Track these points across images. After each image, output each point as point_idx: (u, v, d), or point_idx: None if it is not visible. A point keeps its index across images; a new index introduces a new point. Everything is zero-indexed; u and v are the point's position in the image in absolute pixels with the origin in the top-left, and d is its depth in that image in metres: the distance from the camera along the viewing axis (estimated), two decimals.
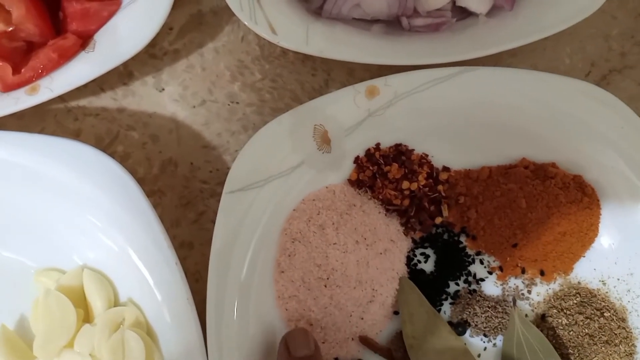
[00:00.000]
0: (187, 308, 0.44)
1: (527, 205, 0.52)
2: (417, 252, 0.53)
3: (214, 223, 0.49)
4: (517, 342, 0.50)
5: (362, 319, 0.50)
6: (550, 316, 0.52)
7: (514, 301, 0.52)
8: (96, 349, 0.45)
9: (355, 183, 0.52)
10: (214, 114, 0.56)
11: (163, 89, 0.56)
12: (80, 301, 0.48)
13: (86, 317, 0.48)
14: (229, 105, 0.56)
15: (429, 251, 0.53)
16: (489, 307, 0.52)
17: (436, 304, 0.52)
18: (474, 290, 0.52)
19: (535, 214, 0.52)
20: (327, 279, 0.49)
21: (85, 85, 0.56)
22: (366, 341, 0.50)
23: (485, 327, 0.51)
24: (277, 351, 0.45)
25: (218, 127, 0.56)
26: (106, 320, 0.46)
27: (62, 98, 0.56)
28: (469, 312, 0.51)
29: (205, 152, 0.55)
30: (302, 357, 0.43)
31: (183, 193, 0.55)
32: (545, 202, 0.52)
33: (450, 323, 0.51)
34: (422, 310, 0.50)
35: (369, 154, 0.52)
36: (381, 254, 0.51)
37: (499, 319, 0.52)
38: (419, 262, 0.53)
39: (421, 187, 0.52)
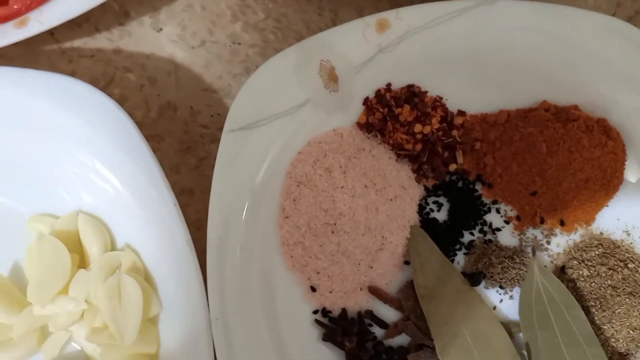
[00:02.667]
0: (187, 252, 0.42)
1: (547, 150, 0.49)
2: (430, 200, 0.50)
3: None
4: (537, 293, 0.47)
5: (371, 267, 0.48)
6: (571, 268, 0.49)
7: (534, 251, 0.49)
8: (91, 294, 0.43)
9: (364, 126, 0.49)
10: (214, 55, 0.53)
11: (161, 29, 0.53)
12: (75, 246, 0.45)
13: (81, 262, 0.46)
14: (230, 46, 0.53)
15: (442, 199, 0.50)
16: (505, 258, 0.49)
17: (449, 254, 0.49)
18: (490, 240, 0.50)
19: (556, 160, 0.49)
20: (334, 224, 0.46)
21: (80, 26, 0.53)
22: (375, 291, 0.48)
23: (501, 279, 0.49)
24: None
25: (219, 70, 0.53)
26: (102, 265, 0.43)
27: (55, 39, 0.53)
28: (484, 262, 0.49)
29: (206, 96, 0.53)
30: None
31: (183, 138, 0.52)
32: (567, 146, 0.49)
33: (463, 274, 0.49)
34: (434, 259, 0.47)
35: (379, 95, 0.49)
36: (391, 200, 0.48)
37: (516, 270, 0.49)
38: (432, 210, 0.50)
39: (434, 130, 0.49)
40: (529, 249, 0.49)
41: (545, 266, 0.49)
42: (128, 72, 0.53)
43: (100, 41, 0.53)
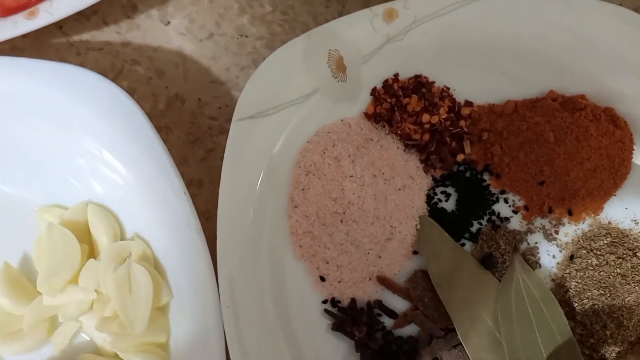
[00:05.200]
0: (197, 240, 0.42)
1: (555, 140, 0.49)
2: (438, 190, 0.50)
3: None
4: (516, 289, 0.46)
5: (380, 257, 0.48)
6: (580, 257, 0.49)
7: (516, 247, 0.49)
8: (101, 284, 0.43)
9: (372, 116, 0.49)
10: (222, 47, 0.53)
11: (169, 22, 0.54)
12: (84, 237, 0.45)
13: (91, 252, 0.46)
14: (237, 38, 0.53)
15: (450, 189, 0.50)
16: (514, 240, 0.49)
17: (458, 243, 0.49)
18: (498, 227, 0.50)
19: (563, 148, 0.49)
20: (343, 213, 0.46)
21: (88, 19, 0.54)
22: (384, 281, 0.48)
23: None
24: None
25: (226, 62, 0.53)
26: (112, 254, 0.43)
27: (63, 32, 0.53)
28: (493, 246, 0.48)
29: (214, 88, 0.53)
30: None
31: (191, 130, 0.52)
32: (575, 135, 0.49)
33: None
34: (446, 247, 0.47)
35: (386, 85, 0.49)
36: (400, 190, 0.48)
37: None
38: (440, 200, 0.50)
39: (442, 120, 0.49)
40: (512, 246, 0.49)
41: (554, 255, 0.49)
42: (136, 65, 0.53)
43: (109, 34, 0.53)
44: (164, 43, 0.53)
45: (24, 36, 0.50)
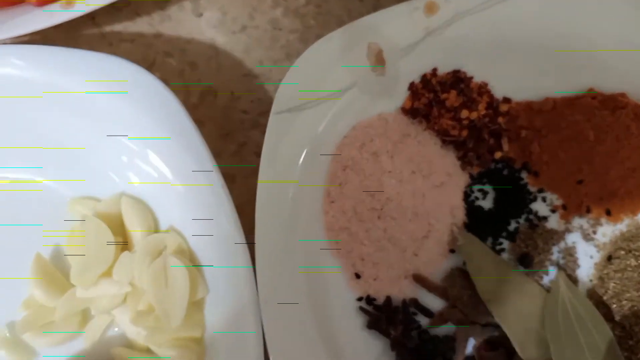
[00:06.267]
0: (235, 234, 0.41)
1: (594, 138, 0.49)
2: (475, 188, 0.49)
3: (257, 155, 0.46)
4: (562, 307, 0.45)
5: (417, 255, 0.47)
6: (618, 257, 0.48)
7: (559, 265, 0.48)
8: (136, 277, 0.42)
9: (410, 111, 0.49)
10: (255, 40, 0.53)
11: (201, 14, 0.53)
12: (118, 229, 0.45)
13: (124, 245, 0.45)
14: (271, 31, 0.53)
15: (487, 187, 0.49)
16: (552, 239, 0.48)
17: (495, 242, 0.48)
18: (536, 226, 0.49)
19: (603, 147, 0.48)
20: (381, 209, 0.46)
21: (120, 10, 0.53)
22: (421, 280, 0.47)
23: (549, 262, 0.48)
24: None
25: (259, 55, 0.52)
26: (147, 247, 0.43)
27: (95, 23, 0.53)
28: (530, 245, 0.48)
29: (246, 81, 0.52)
30: None
31: (223, 123, 0.51)
32: (615, 134, 0.48)
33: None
34: (488, 260, 0.46)
35: (425, 79, 0.48)
36: (437, 186, 0.47)
37: (561, 255, 0.48)
38: (477, 198, 0.49)
39: (481, 117, 0.48)
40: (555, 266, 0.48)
41: (591, 256, 0.48)
42: (169, 57, 0.52)
43: (141, 25, 0.53)
44: (196, 35, 0.53)
45: (56, 27, 0.49)
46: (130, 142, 0.45)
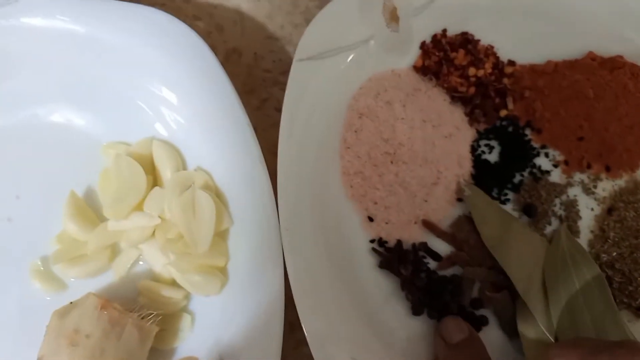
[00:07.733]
0: (259, 168, 0.44)
1: (594, 96, 0.52)
2: (481, 142, 0.52)
3: (277, 110, 0.49)
4: (562, 258, 0.47)
5: (426, 201, 0.50)
6: (617, 209, 0.51)
7: (561, 219, 0.50)
8: (166, 208, 0.45)
9: (421, 69, 0.52)
10: (276, 7, 0.57)
11: None
12: (149, 169, 0.48)
13: (155, 184, 0.48)
14: None
15: (493, 142, 0.52)
16: (555, 191, 0.51)
17: (501, 193, 0.51)
18: (540, 179, 0.52)
19: (602, 105, 0.52)
20: (394, 153, 0.49)
21: None
22: (429, 225, 0.50)
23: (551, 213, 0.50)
24: (433, 345, 0.46)
25: (281, 20, 0.56)
26: (176, 182, 0.46)
27: None
28: (534, 196, 0.50)
29: (269, 43, 0.56)
30: (459, 342, 0.43)
31: (247, 81, 0.55)
32: (613, 92, 0.52)
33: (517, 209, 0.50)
34: (492, 210, 0.49)
35: (435, 39, 0.52)
36: (446, 137, 0.50)
37: (563, 207, 0.51)
38: (483, 152, 0.52)
39: (487, 75, 0.52)
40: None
41: (592, 208, 0.51)
42: (197, 20, 0.56)
43: None
44: (223, 1, 0.57)
45: None
46: (161, 88, 0.48)
